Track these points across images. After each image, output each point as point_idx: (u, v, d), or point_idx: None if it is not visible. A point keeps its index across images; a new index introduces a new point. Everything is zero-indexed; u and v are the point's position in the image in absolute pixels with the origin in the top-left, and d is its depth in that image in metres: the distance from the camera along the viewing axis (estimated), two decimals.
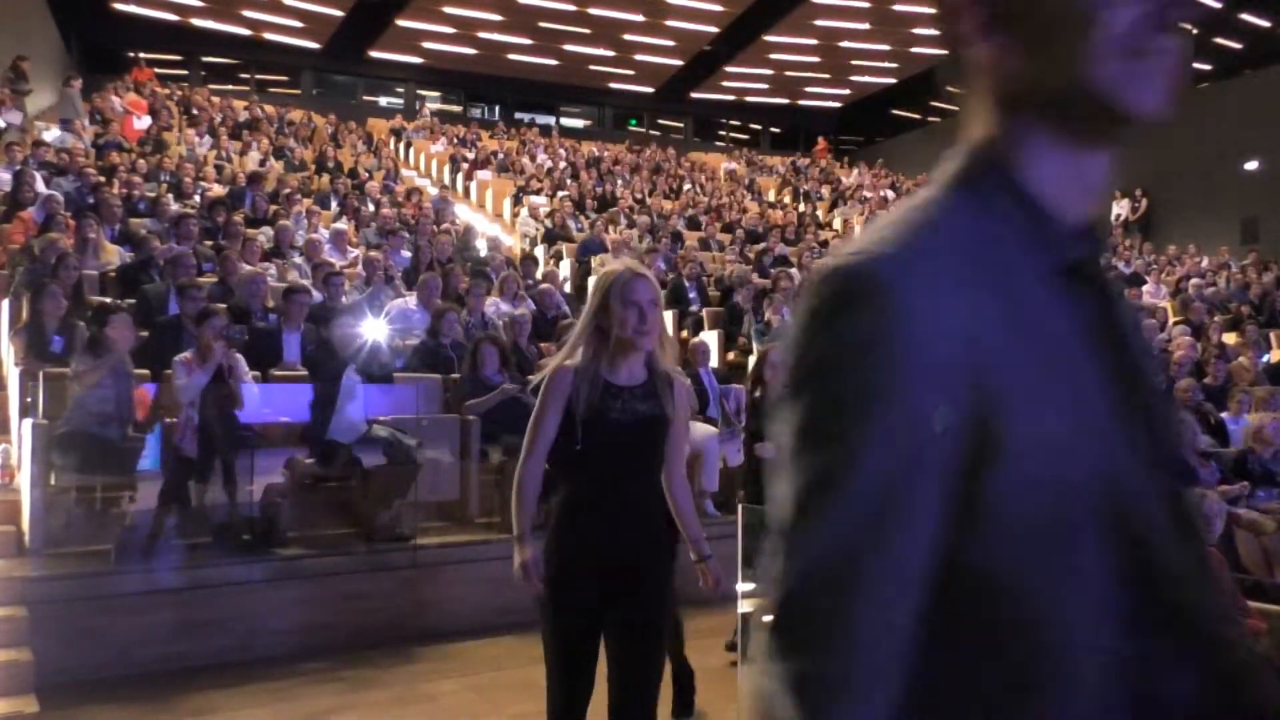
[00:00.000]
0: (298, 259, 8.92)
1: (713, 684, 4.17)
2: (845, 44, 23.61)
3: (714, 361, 8.22)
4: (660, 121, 28.41)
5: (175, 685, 4.35)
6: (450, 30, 22.30)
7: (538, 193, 15.39)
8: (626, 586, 2.50)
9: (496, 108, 26.33)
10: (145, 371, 5.53)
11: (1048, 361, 0.69)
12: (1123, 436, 0.71)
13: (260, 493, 5.24)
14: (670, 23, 22.23)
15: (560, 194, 15.01)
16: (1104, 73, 0.73)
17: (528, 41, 23.10)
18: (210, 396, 5.01)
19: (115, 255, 7.95)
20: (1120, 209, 18.68)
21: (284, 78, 23.83)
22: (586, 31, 22.58)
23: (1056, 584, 0.68)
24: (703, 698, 4.06)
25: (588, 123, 27.46)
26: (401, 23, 21.87)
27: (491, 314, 7.96)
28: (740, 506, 4.45)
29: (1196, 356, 8.88)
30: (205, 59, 23.06)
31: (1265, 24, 19.63)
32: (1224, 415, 7.54)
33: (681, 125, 28.59)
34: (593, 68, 24.93)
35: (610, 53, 24.00)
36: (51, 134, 12.35)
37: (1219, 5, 19.98)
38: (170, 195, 10.11)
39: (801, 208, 17.79)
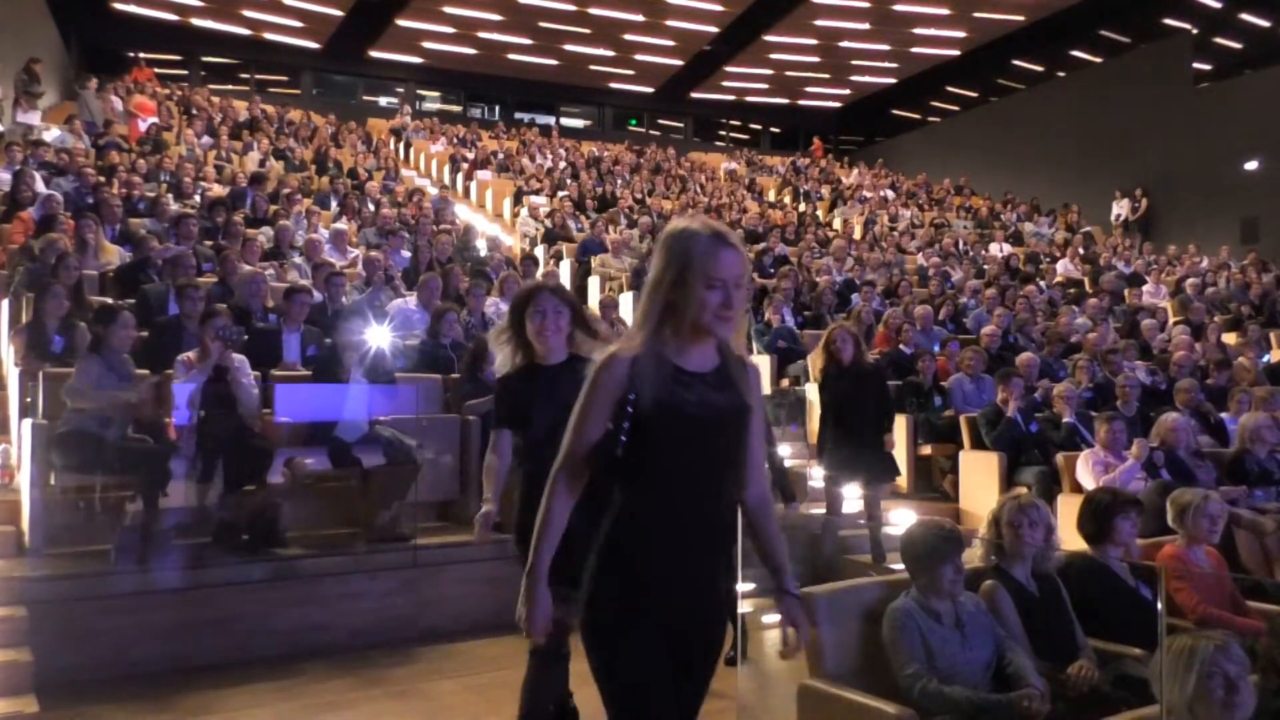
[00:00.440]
0: (298, 259, 8.92)
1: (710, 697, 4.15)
2: (845, 44, 23.61)
3: None
4: (660, 121, 28.42)
5: (175, 685, 4.35)
6: (450, 30, 22.31)
7: (538, 193, 15.40)
8: (698, 650, 2.07)
9: (496, 108, 26.35)
10: (145, 372, 5.53)
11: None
12: None
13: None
14: (670, 23, 22.23)
15: (560, 194, 15.02)
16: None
17: (528, 41, 23.11)
18: (210, 396, 5.01)
19: (115, 255, 7.94)
20: (1120, 209, 18.67)
21: (284, 78, 23.84)
22: (586, 31, 22.59)
23: None
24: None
25: (588, 123, 27.47)
26: (401, 23, 21.88)
27: (491, 314, 7.96)
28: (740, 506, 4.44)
29: (1196, 357, 8.88)
30: (205, 59, 23.08)
31: (1265, 24, 19.63)
32: (1224, 415, 7.54)
33: (681, 125, 28.59)
34: (593, 68, 24.93)
35: (610, 53, 24.01)
36: (51, 134, 12.35)
37: (1219, 5, 20.01)
38: (170, 195, 10.10)
39: (801, 208, 17.80)
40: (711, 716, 4.02)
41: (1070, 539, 4.01)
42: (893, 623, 2.94)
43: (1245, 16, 19.87)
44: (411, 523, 5.52)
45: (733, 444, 2.07)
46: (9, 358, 6.32)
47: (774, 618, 2.20)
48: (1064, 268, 13.96)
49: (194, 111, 16.14)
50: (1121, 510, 3.60)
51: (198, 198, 10.44)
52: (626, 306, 9.98)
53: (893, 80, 26.20)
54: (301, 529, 5.46)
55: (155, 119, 14.47)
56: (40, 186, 9.16)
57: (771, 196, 19.10)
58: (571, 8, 21.34)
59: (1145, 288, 12.95)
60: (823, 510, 6.16)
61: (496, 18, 21.68)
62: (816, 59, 24.68)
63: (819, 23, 22.34)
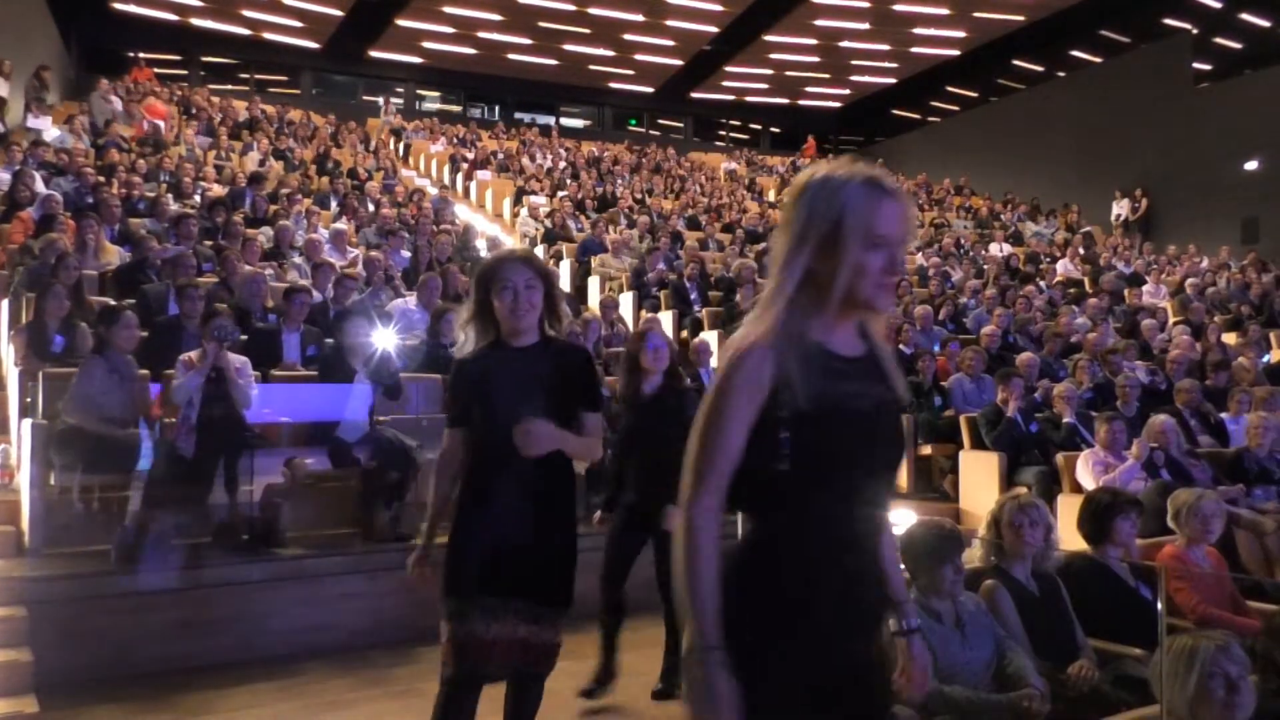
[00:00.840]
0: (298, 259, 8.92)
1: None
2: (845, 44, 23.60)
3: (714, 361, 8.22)
4: (660, 121, 28.41)
5: (175, 685, 4.35)
6: (450, 30, 22.30)
7: (537, 193, 15.40)
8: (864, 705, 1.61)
9: (496, 108, 26.33)
10: (145, 372, 5.53)
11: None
12: None
13: (260, 493, 5.24)
14: (670, 23, 22.23)
15: (560, 194, 15.02)
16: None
17: (528, 41, 23.10)
18: (209, 396, 5.01)
19: (115, 255, 7.94)
20: (1120, 209, 18.67)
21: (284, 78, 23.83)
22: (586, 31, 22.58)
23: None
24: None
25: (588, 123, 27.46)
26: (401, 23, 21.87)
27: None
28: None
29: (1196, 357, 8.88)
30: (205, 59, 23.06)
31: (1265, 24, 19.62)
32: (1224, 415, 7.54)
33: (681, 125, 28.59)
34: (593, 68, 24.93)
35: (610, 53, 24.00)
36: (51, 134, 12.35)
37: (1219, 5, 19.99)
38: (170, 195, 10.10)
39: None
40: None
41: (1070, 539, 4.01)
42: None
43: (1245, 16, 19.86)
44: (411, 523, 5.51)
45: (895, 446, 1.67)
46: (9, 358, 6.32)
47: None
48: (1064, 268, 13.96)
49: (194, 111, 16.15)
50: (1121, 510, 3.61)
51: (197, 198, 10.44)
52: (627, 306, 9.98)
53: (893, 80, 26.18)
54: (301, 529, 5.46)
55: (163, 121, 14.47)
56: (40, 186, 9.15)
57: (771, 197, 19.09)
58: (571, 8, 21.34)
59: (1145, 288, 12.94)
60: None
61: (496, 18, 21.68)
62: (816, 59, 24.67)
63: (819, 23, 22.33)
